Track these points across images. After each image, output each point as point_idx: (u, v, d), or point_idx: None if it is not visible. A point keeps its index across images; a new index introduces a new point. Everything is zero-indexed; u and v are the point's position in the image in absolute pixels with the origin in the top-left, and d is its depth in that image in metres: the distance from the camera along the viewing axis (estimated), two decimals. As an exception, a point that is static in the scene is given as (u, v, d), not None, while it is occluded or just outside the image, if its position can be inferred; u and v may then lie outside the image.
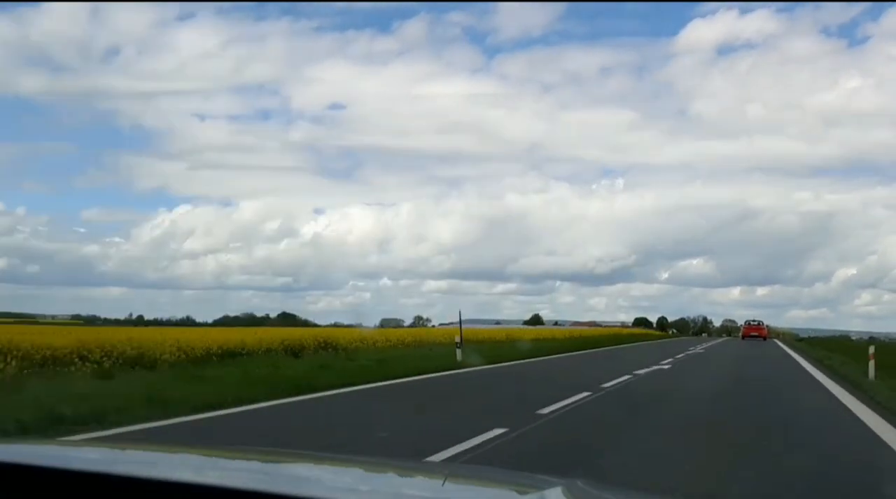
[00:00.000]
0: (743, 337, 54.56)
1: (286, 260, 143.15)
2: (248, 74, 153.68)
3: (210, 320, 66.23)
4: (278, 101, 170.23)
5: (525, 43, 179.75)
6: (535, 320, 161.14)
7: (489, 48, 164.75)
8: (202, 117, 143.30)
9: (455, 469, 3.79)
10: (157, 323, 59.18)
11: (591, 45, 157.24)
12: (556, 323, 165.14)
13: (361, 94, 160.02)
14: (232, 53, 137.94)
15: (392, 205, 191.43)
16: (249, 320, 69.18)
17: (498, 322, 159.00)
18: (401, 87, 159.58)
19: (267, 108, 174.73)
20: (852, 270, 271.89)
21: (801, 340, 60.86)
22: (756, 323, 58.98)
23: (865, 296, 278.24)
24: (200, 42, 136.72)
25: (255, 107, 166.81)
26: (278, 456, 2.44)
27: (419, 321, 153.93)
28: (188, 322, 65.28)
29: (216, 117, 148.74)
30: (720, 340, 66.02)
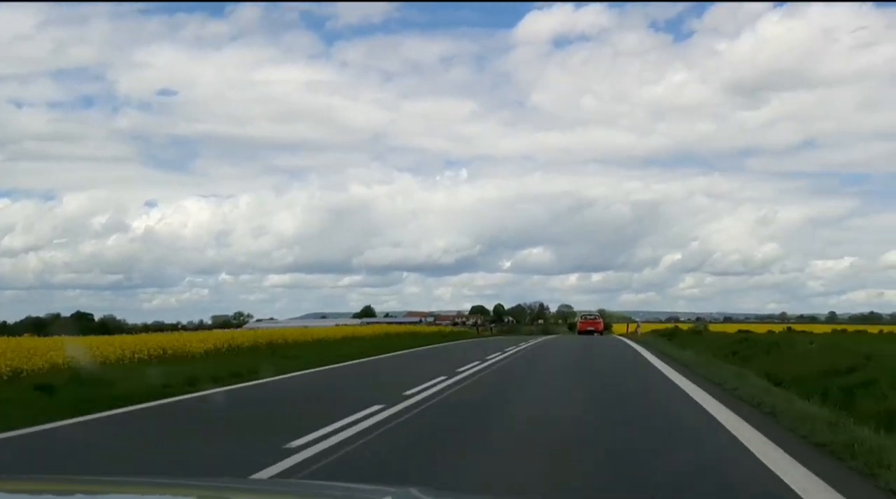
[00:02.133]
0: (579, 332, 50.37)
1: (116, 256, 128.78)
2: (69, 58, 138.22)
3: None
4: (103, 86, 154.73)
5: (365, 30, 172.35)
6: (367, 313, 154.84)
7: (328, 34, 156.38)
8: (19, 104, 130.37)
9: (273, 487, 3.59)
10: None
11: (432, 35, 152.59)
12: (386, 315, 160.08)
13: (194, 79, 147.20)
14: (50, 35, 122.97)
15: (230, 197, 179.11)
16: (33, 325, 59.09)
17: (324, 316, 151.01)
18: (236, 73, 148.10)
19: (91, 94, 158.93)
20: (677, 256, 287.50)
21: (673, 336, 31.49)
22: (592, 316, 56.19)
23: (689, 279, 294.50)
24: (14, 23, 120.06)
25: (77, 93, 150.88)
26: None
27: (240, 318, 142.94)
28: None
29: (35, 104, 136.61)
30: (547, 338, 42.63)
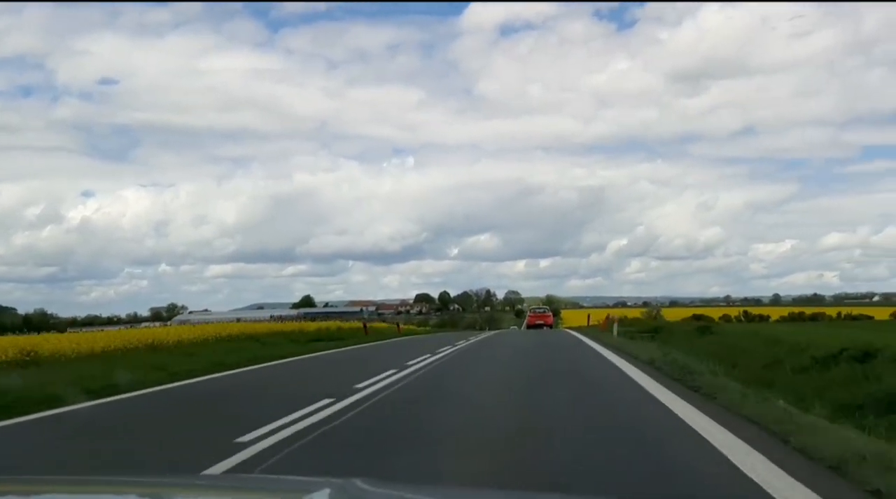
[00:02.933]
0: (528, 326, 47.34)
1: (50, 248, 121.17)
2: (6, 47, 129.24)
3: None
4: (42, 75, 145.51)
5: (310, 18, 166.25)
6: (307, 303, 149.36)
7: (273, 22, 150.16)
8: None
9: (215, 481, 3.62)
10: None
11: (378, 22, 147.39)
12: (326, 305, 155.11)
13: (135, 68, 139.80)
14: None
15: (170, 186, 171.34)
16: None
17: (261, 307, 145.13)
18: (179, 61, 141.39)
19: (29, 83, 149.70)
20: (623, 241, 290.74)
21: (657, 334, 24.09)
22: (541, 310, 52.84)
23: (635, 264, 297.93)
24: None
25: (15, 82, 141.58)
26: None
27: (174, 311, 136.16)
28: None
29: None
30: (485, 337, 30.69)
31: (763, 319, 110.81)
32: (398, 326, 35.99)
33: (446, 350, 19.03)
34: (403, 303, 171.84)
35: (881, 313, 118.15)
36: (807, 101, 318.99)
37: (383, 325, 44.36)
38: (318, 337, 28.39)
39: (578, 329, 36.07)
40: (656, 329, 23.81)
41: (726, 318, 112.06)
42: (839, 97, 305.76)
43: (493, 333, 39.57)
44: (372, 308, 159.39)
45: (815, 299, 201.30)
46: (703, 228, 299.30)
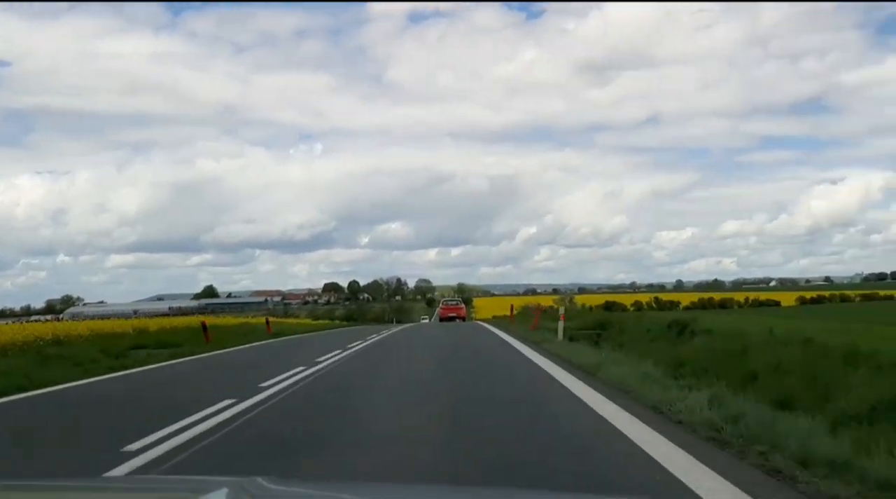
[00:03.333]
0: (441, 320, 45.40)
1: None
2: None
3: None
4: None
5: (215, 1, 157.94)
6: (209, 293, 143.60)
7: (175, 4, 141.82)
8: None
9: (112, 483, 3.49)
10: None
11: (285, 7, 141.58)
12: (229, 295, 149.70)
13: (29, 50, 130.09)
14: None
15: (67, 173, 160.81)
16: None
17: (161, 298, 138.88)
18: (75, 44, 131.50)
19: None
20: (533, 229, 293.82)
21: (604, 332, 16.75)
22: (454, 302, 51.67)
23: (544, 251, 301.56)
24: None
25: None
26: None
27: (69, 302, 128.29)
28: None
29: None
30: (386, 335, 24.96)
31: (673, 305, 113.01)
32: (267, 322, 31.22)
33: (317, 368, 12.13)
34: (311, 292, 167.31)
35: (787, 298, 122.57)
36: (709, 92, 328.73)
37: (256, 320, 39.87)
38: (141, 344, 21.47)
39: (496, 324, 31.23)
40: (602, 325, 17.14)
41: (637, 305, 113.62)
42: (739, 89, 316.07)
43: (398, 328, 32.96)
44: (277, 298, 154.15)
45: (716, 285, 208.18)
46: (610, 217, 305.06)
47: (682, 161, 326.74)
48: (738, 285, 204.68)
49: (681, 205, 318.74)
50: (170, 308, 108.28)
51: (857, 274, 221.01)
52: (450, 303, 51.44)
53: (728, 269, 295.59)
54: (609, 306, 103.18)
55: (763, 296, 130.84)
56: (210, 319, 31.53)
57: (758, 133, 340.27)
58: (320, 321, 61.78)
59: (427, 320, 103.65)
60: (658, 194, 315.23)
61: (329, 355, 14.85)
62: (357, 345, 18.66)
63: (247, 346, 20.95)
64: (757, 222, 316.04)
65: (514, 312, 31.60)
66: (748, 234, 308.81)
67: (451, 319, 43.38)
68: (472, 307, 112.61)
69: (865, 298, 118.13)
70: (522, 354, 14.16)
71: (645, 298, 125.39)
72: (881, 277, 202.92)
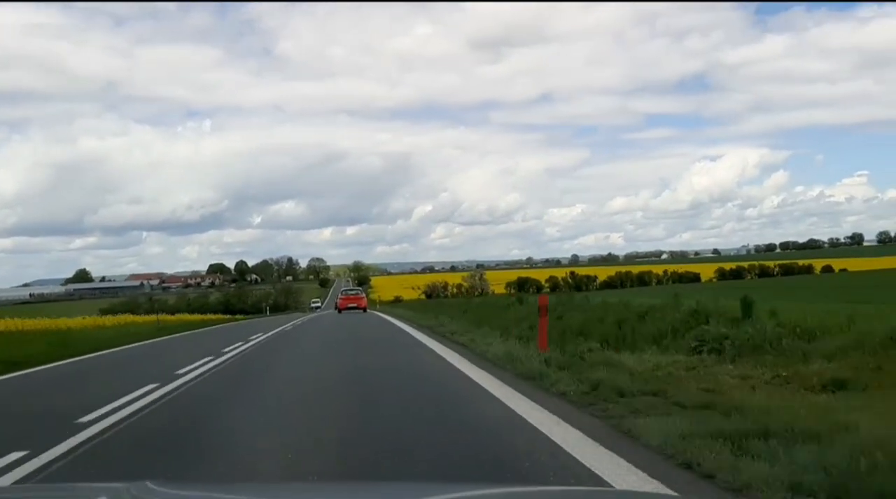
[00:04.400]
0: (340, 310, 43.97)
1: None
2: None
3: None
4: None
5: None
6: (81, 277, 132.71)
7: None
8: None
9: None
10: None
11: None
12: (103, 279, 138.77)
13: None
14: None
15: None
16: None
17: (28, 284, 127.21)
18: None
19: None
20: (428, 207, 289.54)
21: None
22: (354, 292, 50.73)
23: (440, 229, 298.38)
24: None
25: None
26: None
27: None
28: None
29: None
30: (267, 336, 19.59)
31: (590, 280, 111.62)
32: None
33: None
34: (195, 275, 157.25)
35: (706, 271, 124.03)
36: (597, 70, 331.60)
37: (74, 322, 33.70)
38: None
39: (408, 317, 25.91)
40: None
41: (553, 281, 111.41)
42: (626, 67, 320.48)
43: (274, 332, 21.91)
44: (155, 282, 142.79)
45: (610, 259, 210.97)
46: (504, 194, 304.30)
47: (572, 138, 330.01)
48: (631, 259, 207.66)
49: (572, 182, 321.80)
50: (31, 295, 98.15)
51: (743, 246, 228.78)
52: (349, 293, 49.61)
53: (616, 243, 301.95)
54: (522, 284, 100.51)
55: (682, 268, 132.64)
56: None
57: (644, 111, 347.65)
58: (178, 317, 52.81)
59: (319, 305, 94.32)
60: (551, 172, 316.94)
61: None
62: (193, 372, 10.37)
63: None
64: (642, 198, 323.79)
65: (421, 294, 26.97)
66: (634, 209, 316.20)
67: (352, 309, 42.38)
68: (370, 287, 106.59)
69: (785, 270, 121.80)
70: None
71: (560, 273, 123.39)
72: (770, 247, 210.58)
